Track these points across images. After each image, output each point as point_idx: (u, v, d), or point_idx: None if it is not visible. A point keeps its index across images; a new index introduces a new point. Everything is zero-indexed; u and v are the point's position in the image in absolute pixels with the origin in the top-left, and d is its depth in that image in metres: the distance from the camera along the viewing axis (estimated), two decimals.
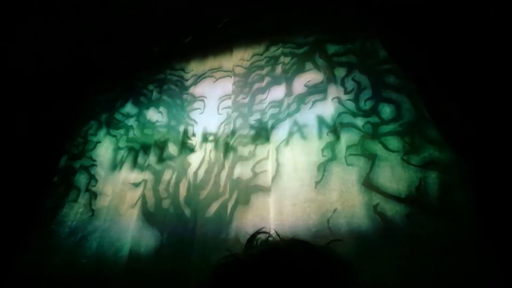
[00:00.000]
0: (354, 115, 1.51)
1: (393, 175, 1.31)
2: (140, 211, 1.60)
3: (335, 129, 1.50)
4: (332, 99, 1.57)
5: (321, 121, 1.56)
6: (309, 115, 1.60)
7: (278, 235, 0.67)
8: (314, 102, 1.63)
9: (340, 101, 1.56)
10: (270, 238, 0.66)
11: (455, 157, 1.26)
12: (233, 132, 1.68)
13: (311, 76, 1.72)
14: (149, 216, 1.58)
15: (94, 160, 1.94)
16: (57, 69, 2.20)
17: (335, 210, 1.29)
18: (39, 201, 1.83)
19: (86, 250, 1.59)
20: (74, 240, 1.65)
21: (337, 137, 1.47)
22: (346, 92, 1.60)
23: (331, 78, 1.65)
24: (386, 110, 1.48)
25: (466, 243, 1.10)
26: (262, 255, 0.58)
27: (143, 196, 1.64)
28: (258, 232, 0.66)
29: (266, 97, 1.75)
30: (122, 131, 2.01)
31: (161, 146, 1.82)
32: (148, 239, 1.51)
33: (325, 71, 1.69)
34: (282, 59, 1.84)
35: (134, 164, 1.81)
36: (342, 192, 1.33)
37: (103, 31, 2.07)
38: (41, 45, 2.12)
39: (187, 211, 1.53)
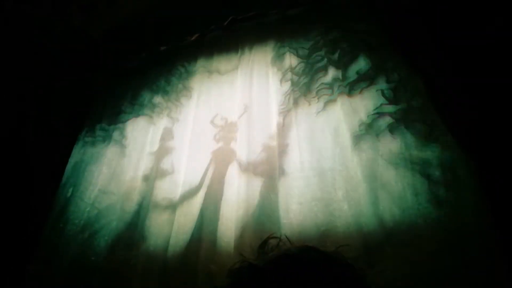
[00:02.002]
0: (360, 110, 1.50)
1: (399, 172, 1.31)
2: (148, 209, 1.61)
3: (338, 126, 1.49)
4: (338, 97, 1.55)
5: (324, 121, 1.54)
6: (313, 117, 1.58)
7: (289, 240, 0.69)
8: (325, 103, 1.59)
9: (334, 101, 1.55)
10: (281, 244, 0.68)
11: (462, 153, 1.26)
12: (240, 130, 1.66)
13: (320, 74, 1.68)
14: (158, 213, 1.59)
15: (101, 160, 1.92)
16: (64, 70, 2.19)
17: (342, 209, 1.30)
18: (47, 201, 1.84)
19: (95, 248, 1.61)
20: (82, 238, 1.67)
21: (343, 135, 1.46)
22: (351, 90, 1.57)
23: (337, 75, 1.63)
24: (391, 106, 1.47)
25: (474, 239, 1.11)
26: (275, 261, 0.60)
27: (150, 194, 1.65)
28: (269, 237, 0.69)
29: (273, 95, 1.71)
30: (129, 130, 1.99)
31: (167, 143, 1.81)
32: (156, 237, 1.53)
33: (332, 68, 1.66)
34: (288, 55, 1.80)
35: (141, 162, 1.80)
36: (348, 191, 1.34)
37: (110, 30, 2.04)
38: (47, 47, 2.10)
39: (196, 209, 1.53)
